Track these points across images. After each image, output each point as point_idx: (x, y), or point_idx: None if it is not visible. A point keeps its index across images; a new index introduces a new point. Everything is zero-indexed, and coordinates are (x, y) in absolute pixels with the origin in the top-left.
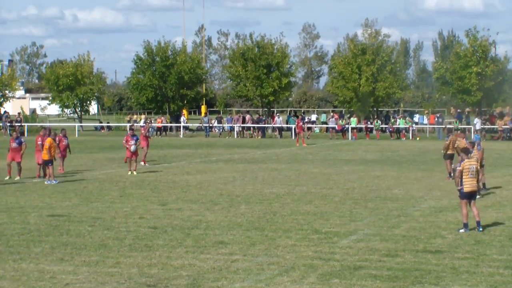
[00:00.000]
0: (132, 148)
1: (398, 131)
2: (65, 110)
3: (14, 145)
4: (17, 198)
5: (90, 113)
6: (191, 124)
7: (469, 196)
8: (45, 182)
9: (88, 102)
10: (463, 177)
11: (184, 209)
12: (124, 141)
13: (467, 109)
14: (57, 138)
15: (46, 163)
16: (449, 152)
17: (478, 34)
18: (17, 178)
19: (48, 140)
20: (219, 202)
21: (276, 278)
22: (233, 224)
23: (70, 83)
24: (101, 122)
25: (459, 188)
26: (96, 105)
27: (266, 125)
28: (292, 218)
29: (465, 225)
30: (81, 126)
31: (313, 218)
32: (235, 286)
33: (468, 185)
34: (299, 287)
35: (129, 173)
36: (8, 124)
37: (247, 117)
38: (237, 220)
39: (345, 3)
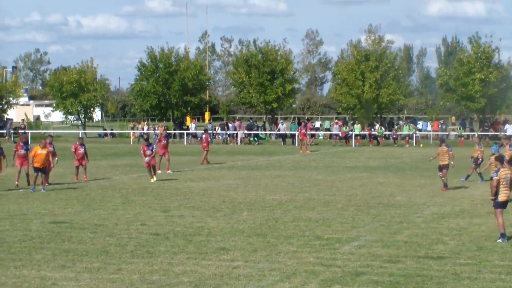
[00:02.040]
0: (147, 159)
1: (376, 137)
2: (69, 117)
3: None
4: (19, 205)
5: (94, 120)
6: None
7: (503, 205)
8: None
9: (92, 109)
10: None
11: (186, 216)
12: (141, 152)
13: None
14: (73, 146)
15: (35, 170)
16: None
17: (481, 40)
18: None
19: (34, 149)
20: (221, 209)
21: (278, 284)
22: (235, 230)
23: (74, 90)
24: (104, 129)
25: (493, 197)
26: (99, 112)
27: (259, 132)
28: (294, 224)
29: (503, 235)
30: (85, 133)
31: (315, 225)
32: None
33: (503, 194)
34: None
35: (152, 180)
36: (12, 131)
37: (237, 123)
38: (239, 226)
39: (348, 9)
